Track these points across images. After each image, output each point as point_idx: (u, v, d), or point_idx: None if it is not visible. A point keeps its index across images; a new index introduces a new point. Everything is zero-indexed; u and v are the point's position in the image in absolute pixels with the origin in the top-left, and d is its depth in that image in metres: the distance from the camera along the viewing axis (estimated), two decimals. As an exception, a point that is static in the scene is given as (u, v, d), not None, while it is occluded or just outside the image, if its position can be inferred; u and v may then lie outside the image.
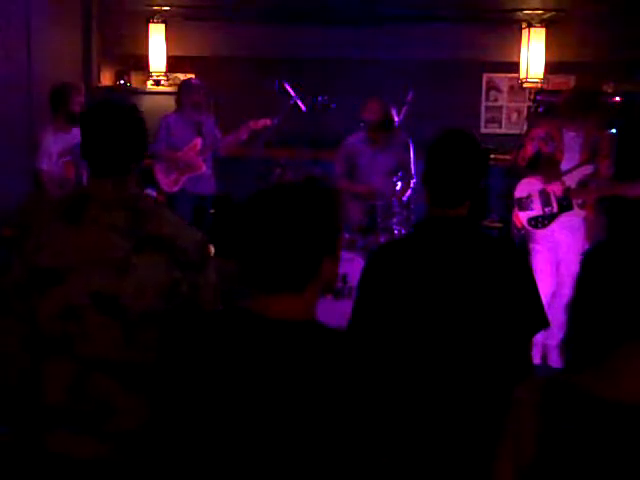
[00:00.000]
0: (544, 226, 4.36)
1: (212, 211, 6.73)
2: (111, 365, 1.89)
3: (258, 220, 1.38)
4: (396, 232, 4.90)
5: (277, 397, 1.32)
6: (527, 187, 4.40)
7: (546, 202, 4.36)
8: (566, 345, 1.37)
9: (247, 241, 1.40)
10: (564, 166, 4.32)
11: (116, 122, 1.96)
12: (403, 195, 5.03)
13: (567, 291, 4.45)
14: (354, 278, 4.48)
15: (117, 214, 1.91)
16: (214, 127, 5.76)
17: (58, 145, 4.77)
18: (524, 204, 4.39)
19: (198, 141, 5.56)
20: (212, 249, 5.85)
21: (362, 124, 5.10)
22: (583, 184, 4.32)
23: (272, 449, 1.31)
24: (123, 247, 1.88)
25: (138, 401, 1.90)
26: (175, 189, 5.56)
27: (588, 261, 1.35)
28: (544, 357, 4.58)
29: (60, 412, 1.91)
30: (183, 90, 5.64)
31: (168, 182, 5.57)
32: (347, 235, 5.02)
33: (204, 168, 5.61)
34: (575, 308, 1.35)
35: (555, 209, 4.35)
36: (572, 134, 4.29)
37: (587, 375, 1.30)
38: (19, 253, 1.93)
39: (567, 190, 4.32)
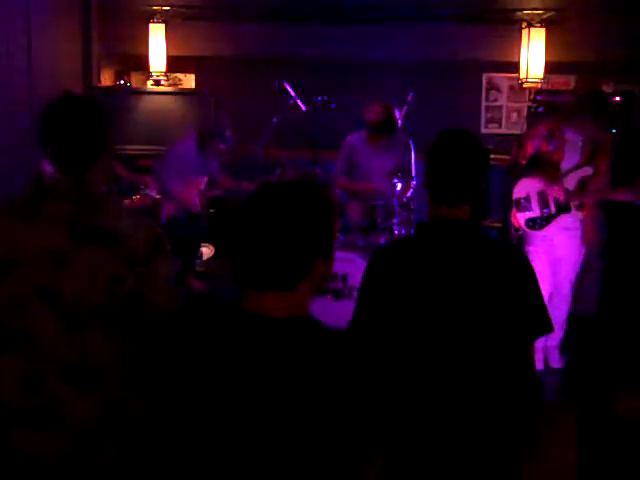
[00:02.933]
0: (542, 227, 4.37)
1: (212, 211, 6.74)
2: (60, 362, 1.88)
3: (251, 218, 1.39)
4: (396, 232, 4.91)
5: (269, 395, 1.32)
6: (525, 188, 4.40)
7: (544, 203, 4.36)
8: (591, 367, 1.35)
9: (239, 238, 1.40)
10: (564, 165, 4.32)
11: (73, 118, 1.95)
12: (403, 195, 5.03)
13: (564, 292, 4.46)
14: (354, 278, 4.48)
15: (65, 208, 1.89)
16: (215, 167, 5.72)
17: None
18: (522, 205, 4.39)
19: (204, 180, 5.48)
20: (212, 249, 5.86)
21: (363, 124, 5.11)
22: (582, 186, 4.32)
23: (262, 446, 1.31)
24: (65, 241, 1.87)
25: (89, 400, 1.90)
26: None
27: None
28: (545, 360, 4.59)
29: (15, 409, 1.90)
30: (211, 136, 5.46)
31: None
32: (347, 235, 5.02)
33: (194, 208, 5.47)
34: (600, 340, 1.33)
35: (553, 210, 4.35)
36: (573, 133, 4.29)
37: (626, 401, 1.27)
38: None
39: (566, 192, 4.32)
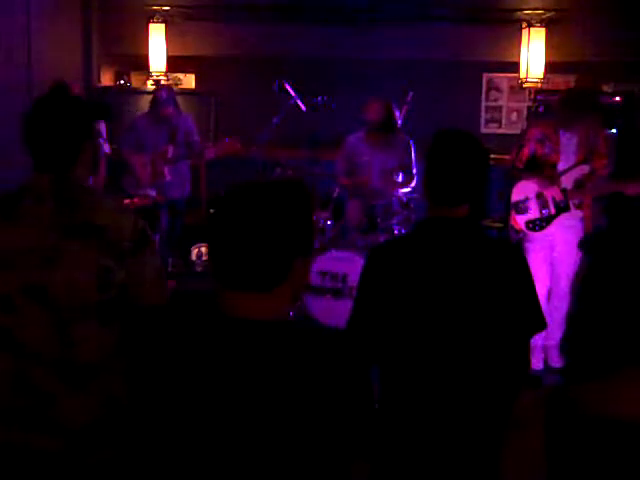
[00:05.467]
0: (542, 228, 4.37)
1: (211, 211, 6.72)
2: (50, 359, 1.87)
3: (228, 216, 1.37)
4: (396, 232, 4.91)
5: (241, 397, 1.31)
6: (524, 190, 4.41)
7: (543, 204, 4.36)
8: (569, 355, 1.36)
9: (217, 237, 1.38)
10: (560, 166, 4.32)
11: (52, 116, 1.95)
12: (403, 195, 5.03)
13: (563, 291, 4.46)
14: (354, 278, 4.48)
15: (46, 205, 1.89)
16: (191, 131, 5.63)
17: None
18: (521, 207, 4.39)
19: (169, 148, 5.45)
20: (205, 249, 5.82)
21: (363, 124, 5.11)
22: (579, 184, 4.32)
23: (238, 449, 1.31)
24: (50, 237, 1.87)
25: (81, 398, 1.89)
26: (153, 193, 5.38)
27: (589, 279, 1.33)
28: (545, 360, 4.59)
29: (5, 408, 1.89)
30: (152, 105, 5.52)
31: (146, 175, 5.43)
32: (347, 235, 5.03)
33: (168, 177, 5.44)
34: (578, 325, 1.33)
35: (552, 211, 4.35)
36: (568, 134, 4.29)
37: (590, 390, 1.27)
38: None
39: (564, 191, 4.32)
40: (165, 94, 5.47)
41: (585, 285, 1.31)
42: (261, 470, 1.30)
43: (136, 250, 1.93)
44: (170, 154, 5.44)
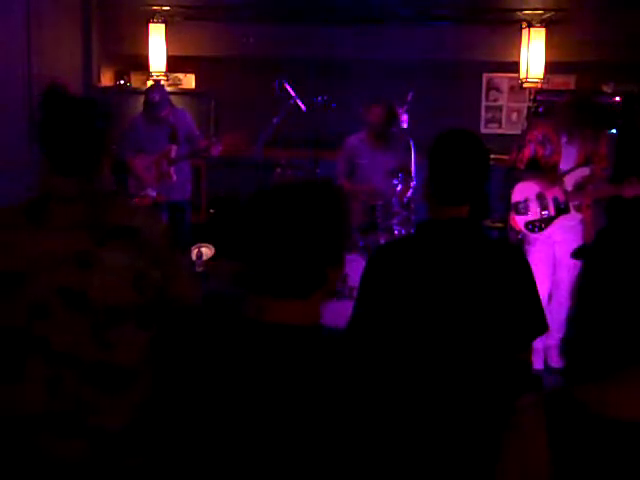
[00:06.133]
0: (541, 230, 4.37)
1: (212, 211, 6.74)
2: (86, 364, 1.85)
3: (268, 223, 1.35)
4: (396, 232, 4.91)
5: (281, 403, 1.30)
6: (524, 191, 4.41)
7: (543, 206, 4.36)
8: (568, 355, 1.35)
9: (255, 245, 1.36)
10: (561, 168, 4.32)
11: (76, 117, 1.91)
12: (404, 195, 5.03)
13: (564, 292, 4.46)
14: (354, 278, 4.47)
15: (76, 209, 1.88)
16: (190, 126, 5.54)
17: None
18: (521, 208, 4.39)
19: (172, 148, 5.37)
20: (212, 249, 5.86)
21: (364, 125, 5.11)
22: (580, 186, 4.32)
23: (278, 456, 1.29)
24: (85, 241, 1.85)
25: (118, 402, 1.87)
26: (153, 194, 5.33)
27: (588, 280, 1.32)
28: (545, 359, 4.59)
29: (41, 413, 1.86)
30: (146, 107, 5.39)
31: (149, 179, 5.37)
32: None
33: (174, 178, 5.37)
34: (577, 325, 1.32)
35: (552, 212, 4.35)
36: (568, 137, 4.29)
37: (591, 390, 1.27)
38: None
39: (565, 193, 4.32)
40: (157, 96, 5.33)
41: (584, 286, 1.30)
42: (298, 476, 1.29)
43: (170, 252, 1.94)
44: (173, 154, 5.40)
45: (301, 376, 1.32)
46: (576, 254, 1.38)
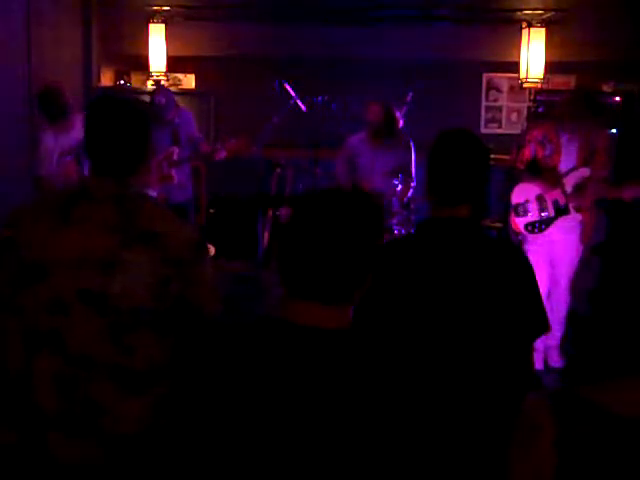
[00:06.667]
0: (541, 231, 4.37)
1: (212, 211, 6.74)
2: (101, 365, 1.84)
3: (314, 231, 1.36)
4: (396, 232, 4.91)
5: (315, 405, 1.30)
6: (523, 193, 4.40)
7: (543, 207, 4.36)
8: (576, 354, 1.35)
9: (301, 252, 1.37)
10: (561, 168, 4.32)
11: (121, 119, 1.92)
12: (404, 196, 5.03)
13: (562, 291, 4.46)
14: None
15: (106, 210, 1.87)
16: (192, 128, 5.53)
17: (59, 146, 4.76)
18: (520, 210, 4.39)
19: (174, 150, 5.33)
20: (212, 249, 5.85)
21: (363, 125, 5.12)
22: (579, 187, 4.32)
23: (307, 460, 1.29)
24: (111, 243, 1.84)
25: (133, 405, 1.86)
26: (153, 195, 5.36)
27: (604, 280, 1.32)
28: (545, 360, 4.59)
29: (52, 413, 1.86)
30: (150, 101, 5.35)
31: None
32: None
33: (175, 179, 5.30)
34: (592, 324, 1.32)
35: (552, 213, 4.35)
36: (568, 135, 4.29)
37: (602, 390, 1.27)
38: (11, 249, 1.89)
39: (564, 194, 4.32)
40: (164, 99, 5.32)
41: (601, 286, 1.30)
42: (322, 476, 1.29)
43: (193, 262, 1.91)
44: (175, 156, 5.39)
45: (338, 380, 1.32)
46: (596, 250, 1.38)
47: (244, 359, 1.38)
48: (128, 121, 1.93)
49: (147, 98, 5.53)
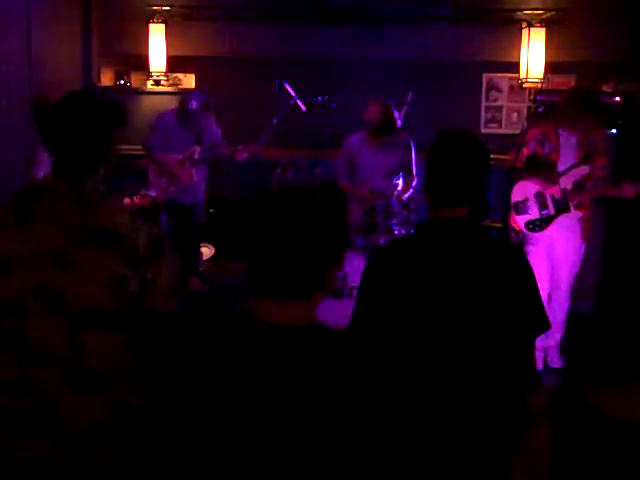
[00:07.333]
0: (542, 229, 4.37)
1: (212, 211, 6.74)
2: (56, 364, 1.83)
3: (271, 226, 1.37)
4: (396, 232, 4.90)
5: (281, 404, 1.30)
6: (523, 191, 4.40)
7: (543, 205, 4.36)
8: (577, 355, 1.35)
9: (258, 246, 1.38)
10: (560, 167, 4.32)
11: (79, 116, 1.92)
12: (404, 195, 5.03)
13: (563, 291, 4.46)
14: (354, 278, 4.48)
15: (62, 208, 1.87)
16: (216, 132, 5.65)
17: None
18: (521, 208, 4.39)
19: (196, 149, 5.47)
20: (212, 249, 5.83)
21: (363, 125, 5.12)
22: (579, 185, 4.32)
23: (275, 456, 1.29)
24: (64, 241, 1.84)
25: (89, 404, 1.85)
26: (165, 196, 5.38)
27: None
28: (544, 359, 4.59)
29: (5, 410, 1.85)
30: (181, 111, 5.50)
31: (159, 186, 5.43)
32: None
33: (195, 178, 5.46)
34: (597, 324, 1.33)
35: (552, 211, 4.35)
36: (568, 134, 4.29)
37: (600, 392, 1.27)
38: None
39: (563, 192, 4.32)
40: (196, 104, 5.44)
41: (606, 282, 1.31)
42: (300, 476, 1.29)
43: (152, 258, 1.91)
44: (197, 155, 5.45)
45: (304, 377, 1.32)
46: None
47: (206, 354, 1.38)
48: (87, 119, 1.92)
49: (178, 102, 5.63)
